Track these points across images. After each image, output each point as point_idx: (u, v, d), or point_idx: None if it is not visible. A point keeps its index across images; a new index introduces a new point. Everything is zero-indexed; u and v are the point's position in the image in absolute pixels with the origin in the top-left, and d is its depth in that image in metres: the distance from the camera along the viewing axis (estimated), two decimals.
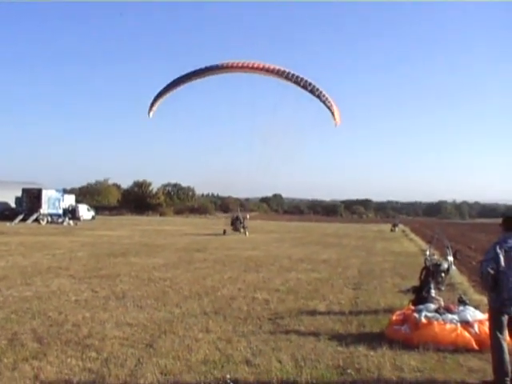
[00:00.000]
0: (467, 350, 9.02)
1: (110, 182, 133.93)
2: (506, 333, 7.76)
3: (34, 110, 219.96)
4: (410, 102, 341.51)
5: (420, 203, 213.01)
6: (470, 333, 9.30)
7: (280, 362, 8.34)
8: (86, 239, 34.99)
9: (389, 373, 7.91)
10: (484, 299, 11.19)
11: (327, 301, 13.87)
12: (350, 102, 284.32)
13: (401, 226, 69.40)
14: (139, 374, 7.60)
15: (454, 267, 14.02)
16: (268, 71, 19.65)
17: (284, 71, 19.52)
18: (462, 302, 11.06)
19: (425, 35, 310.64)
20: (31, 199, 61.48)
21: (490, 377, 7.69)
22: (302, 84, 19.50)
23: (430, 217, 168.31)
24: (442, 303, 11.31)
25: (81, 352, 8.59)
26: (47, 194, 61.72)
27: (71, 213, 64.41)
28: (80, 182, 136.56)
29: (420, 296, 11.94)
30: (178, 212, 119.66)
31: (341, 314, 12.16)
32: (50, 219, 60.37)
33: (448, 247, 13.92)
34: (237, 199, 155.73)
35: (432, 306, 10.60)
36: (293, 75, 19.51)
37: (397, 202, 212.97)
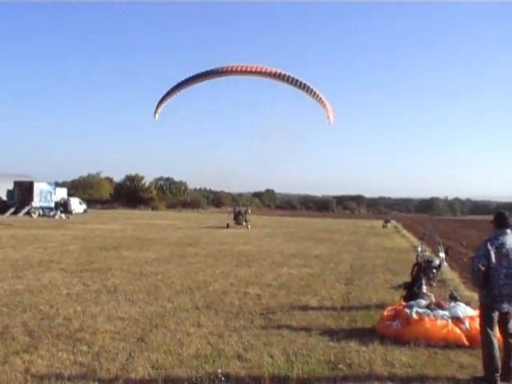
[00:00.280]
0: (458, 345, 9.06)
1: (103, 175, 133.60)
2: (497, 329, 7.80)
3: (27, 104, 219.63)
4: (404, 100, 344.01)
5: (412, 200, 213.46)
6: (460, 329, 9.34)
7: (271, 356, 8.35)
8: (77, 233, 34.90)
9: (380, 368, 7.94)
10: (475, 295, 11.23)
11: (319, 296, 13.89)
12: (343, 99, 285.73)
13: (393, 222, 69.58)
14: (130, 368, 7.59)
15: (445, 263, 14.05)
16: (265, 74, 20.33)
17: (280, 73, 20.21)
18: (453, 298, 11.10)
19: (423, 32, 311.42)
20: (23, 192, 61.22)
21: (480, 373, 7.73)
22: (297, 85, 20.20)
23: (421, 213, 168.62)
24: (433, 299, 11.35)
25: (72, 346, 8.58)
26: (39, 187, 61.51)
27: (63, 206, 64.06)
28: (72, 176, 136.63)
29: (411, 292, 11.98)
30: (171, 206, 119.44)
31: (332, 309, 12.18)
32: (41, 212, 60.11)
33: (439, 244, 13.97)
34: (229, 194, 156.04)
35: (423, 302, 10.63)
36: (288, 77, 20.17)
37: (389, 198, 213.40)
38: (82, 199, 78.54)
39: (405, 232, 51.42)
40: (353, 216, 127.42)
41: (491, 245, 7.60)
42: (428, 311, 9.95)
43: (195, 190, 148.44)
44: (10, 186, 62.32)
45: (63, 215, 59.33)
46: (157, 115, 23.21)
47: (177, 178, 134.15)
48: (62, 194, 68.64)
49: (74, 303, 11.99)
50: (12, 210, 57.93)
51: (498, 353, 7.59)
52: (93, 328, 9.77)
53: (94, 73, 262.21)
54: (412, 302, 10.69)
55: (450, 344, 9.09)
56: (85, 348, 8.49)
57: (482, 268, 7.51)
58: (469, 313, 9.83)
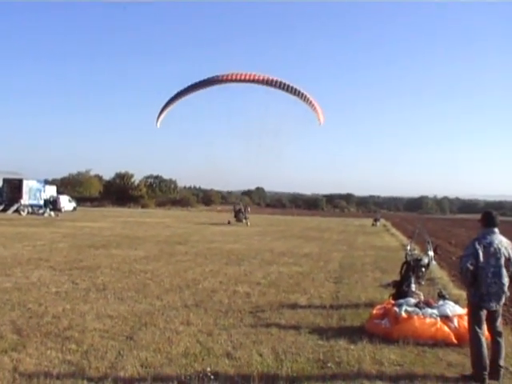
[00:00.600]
0: (446, 344, 9.11)
1: (92, 173, 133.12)
2: (485, 327, 7.86)
3: (17, 101, 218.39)
4: (393, 99, 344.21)
5: (401, 198, 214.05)
6: (449, 327, 9.38)
7: (261, 355, 8.36)
8: (67, 230, 34.77)
9: (369, 366, 7.96)
10: (463, 294, 11.28)
11: (308, 294, 13.91)
12: (332, 98, 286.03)
13: (382, 221, 69.66)
14: (119, 366, 7.58)
15: (434, 262, 14.15)
16: (258, 81, 21.54)
17: (272, 80, 21.40)
18: (441, 296, 11.16)
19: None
20: (12, 190, 60.89)
21: (468, 371, 7.77)
22: (288, 89, 21.38)
23: (411, 212, 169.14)
24: (422, 298, 11.41)
25: (61, 344, 8.55)
26: (28, 185, 61.23)
27: (52, 204, 63.75)
28: (61, 173, 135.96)
29: (400, 290, 12.03)
30: (160, 204, 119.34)
31: (322, 307, 12.20)
32: (30, 210, 59.76)
33: (428, 242, 14.04)
34: (219, 192, 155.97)
35: (412, 301, 10.67)
36: (280, 83, 21.37)
37: (378, 197, 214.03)
38: (72, 197, 78.17)
39: (394, 230, 51.57)
40: (342, 214, 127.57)
41: (479, 244, 7.65)
42: (417, 310, 9.99)
43: (185, 188, 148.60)
44: None
45: (52, 213, 59.00)
46: (158, 123, 24.11)
47: (166, 176, 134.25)
48: (51, 191, 68.37)
49: (62, 301, 11.94)
50: (1, 207, 57.63)
51: (486, 351, 7.63)
52: (82, 326, 9.74)
53: (86, 71, 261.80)
54: (401, 301, 10.73)
55: (439, 342, 9.13)
56: (73, 346, 8.46)
57: (471, 267, 7.55)
58: (457, 311, 9.87)
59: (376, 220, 65.34)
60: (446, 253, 26.34)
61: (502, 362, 7.73)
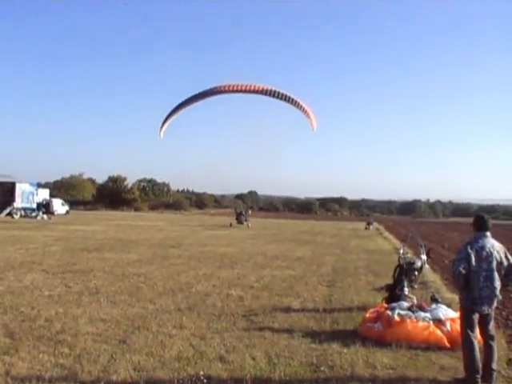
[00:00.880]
0: (439, 347, 9.13)
1: (85, 176, 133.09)
2: (477, 331, 7.88)
3: (9, 105, 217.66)
4: (386, 102, 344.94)
5: (394, 202, 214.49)
6: (442, 331, 9.41)
7: (254, 358, 8.36)
8: (59, 234, 34.65)
9: (362, 370, 7.97)
10: (456, 297, 11.29)
11: (301, 298, 13.92)
12: (325, 101, 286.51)
13: (375, 224, 69.76)
14: (112, 370, 7.56)
15: (427, 265, 14.17)
16: (255, 92, 22.56)
17: (267, 90, 22.50)
18: (434, 300, 11.16)
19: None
20: (4, 193, 60.44)
21: (461, 374, 7.80)
22: (283, 98, 22.54)
23: (404, 215, 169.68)
24: (415, 301, 11.43)
25: (53, 348, 8.53)
26: (21, 188, 60.81)
27: (45, 207, 63.40)
28: (54, 176, 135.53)
29: (393, 294, 12.05)
30: (153, 207, 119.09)
31: (315, 311, 12.21)
32: (23, 213, 59.35)
33: (421, 246, 14.07)
34: (212, 195, 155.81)
35: (405, 304, 10.69)
36: (275, 92, 22.50)
37: (371, 200, 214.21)
38: (65, 200, 77.93)
39: (387, 234, 51.67)
40: (335, 218, 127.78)
41: (471, 248, 7.68)
42: (410, 313, 10.01)
43: (178, 191, 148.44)
44: None
45: (45, 216, 58.75)
46: (162, 134, 25.23)
47: (159, 180, 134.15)
48: (44, 194, 68.02)
49: (55, 305, 11.91)
50: None
51: (478, 354, 7.66)
52: (74, 330, 9.71)
53: (79, 75, 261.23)
54: (394, 304, 10.75)
55: (432, 346, 9.15)
56: (66, 350, 8.44)
57: (463, 271, 7.59)
58: (450, 315, 9.89)
59: (369, 223, 65.42)
60: (438, 256, 26.41)
61: (494, 366, 7.75)
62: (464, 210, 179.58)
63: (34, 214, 59.19)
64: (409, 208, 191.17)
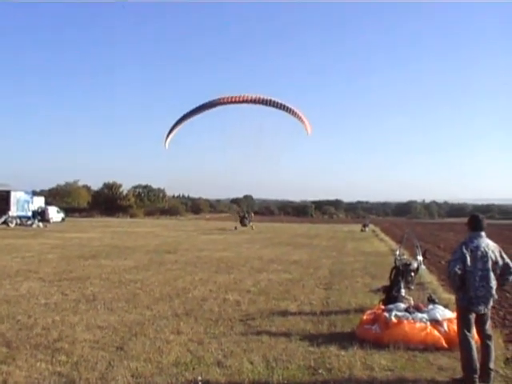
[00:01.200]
0: (437, 348, 9.14)
1: (80, 183, 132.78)
2: (474, 331, 7.89)
3: (3, 114, 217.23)
4: (382, 104, 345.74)
5: (390, 203, 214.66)
6: (439, 331, 9.42)
7: (251, 363, 8.36)
8: (55, 241, 34.58)
9: (360, 372, 7.98)
10: (453, 298, 11.31)
11: (298, 301, 13.92)
12: (321, 105, 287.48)
13: (371, 226, 69.79)
14: (110, 377, 7.55)
15: (423, 266, 14.19)
16: (254, 101, 23.98)
17: (263, 99, 23.99)
18: (431, 300, 11.20)
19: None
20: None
21: (459, 374, 7.81)
22: (279, 106, 24.10)
23: (399, 216, 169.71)
24: (412, 302, 11.45)
25: (50, 356, 8.51)
26: (16, 196, 60.66)
27: (41, 215, 63.37)
28: (49, 184, 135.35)
29: (390, 295, 12.06)
30: (149, 213, 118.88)
31: (312, 314, 12.21)
32: (19, 221, 59.19)
33: (417, 247, 14.09)
34: (207, 200, 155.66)
35: (402, 306, 10.71)
36: (271, 101, 24.02)
37: (367, 202, 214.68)
38: (60, 208, 77.72)
39: (383, 236, 51.66)
40: (331, 221, 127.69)
41: (466, 248, 7.71)
42: (407, 314, 10.02)
43: (173, 197, 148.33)
44: None
45: (41, 224, 58.62)
46: (167, 145, 27.34)
47: (155, 186, 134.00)
48: (39, 202, 67.95)
49: (52, 313, 11.89)
50: None
51: (476, 354, 7.67)
52: (71, 337, 9.69)
53: (74, 83, 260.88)
54: (391, 306, 10.77)
55: (429, 346, 9.16)
56: (63, 358, 8.43)
57: (459, 271, 7.60)
58: (447, 315, 9.91)
59: (365, 225, 65.46)
60: (434, 257, 26.47)
61: (491, 365, 7.76)
62: (459, 210, 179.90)
63: (29, 222, 59.05)
64: (404, 209, 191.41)
